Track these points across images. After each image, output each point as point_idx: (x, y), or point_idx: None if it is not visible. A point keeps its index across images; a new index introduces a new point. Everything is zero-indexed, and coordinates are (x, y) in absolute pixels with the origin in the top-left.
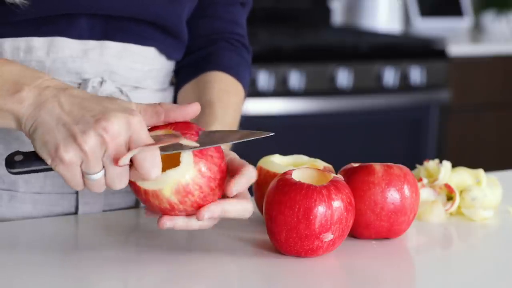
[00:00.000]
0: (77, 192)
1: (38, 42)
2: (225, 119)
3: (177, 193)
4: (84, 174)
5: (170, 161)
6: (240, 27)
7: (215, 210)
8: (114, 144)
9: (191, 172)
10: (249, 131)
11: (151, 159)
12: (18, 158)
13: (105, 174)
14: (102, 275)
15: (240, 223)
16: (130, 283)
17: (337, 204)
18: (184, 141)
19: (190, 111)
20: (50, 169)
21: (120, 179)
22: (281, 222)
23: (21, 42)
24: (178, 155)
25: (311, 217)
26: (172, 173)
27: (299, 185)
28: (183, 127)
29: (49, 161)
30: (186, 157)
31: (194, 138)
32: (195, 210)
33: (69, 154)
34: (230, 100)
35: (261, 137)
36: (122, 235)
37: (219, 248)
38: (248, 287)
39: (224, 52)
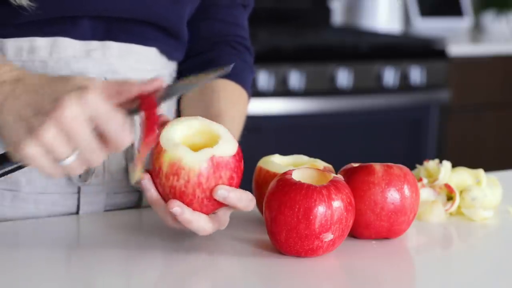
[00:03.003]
0: (79, 192)
1: (41, 42)
2: (232, 131)
3: (170, 166)
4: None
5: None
6: (242, 29)
7: (182, 212)
8: (73, 127)
9: (196, 166)
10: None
11: (119, 128)
12: None
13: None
14: (104, 274)
15: (240, 223)
16: (132, 282)
17: (337, 204)
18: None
19: (150, 86)
20: (18, 168)
21: (95, 155)
22: (281, 222)
23: (24, 42)
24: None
25: (311, 217)
26: (187, 152)
27: (299, 185)
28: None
29: (18, 158)
30: (206, 153)
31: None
32: (169, 197)
33: (29, 149)
34: (236, 111)
35: (217, 74)
36: (124, 235)
37: (219, 248)
38: (248, 287)
39: (229, 57)
